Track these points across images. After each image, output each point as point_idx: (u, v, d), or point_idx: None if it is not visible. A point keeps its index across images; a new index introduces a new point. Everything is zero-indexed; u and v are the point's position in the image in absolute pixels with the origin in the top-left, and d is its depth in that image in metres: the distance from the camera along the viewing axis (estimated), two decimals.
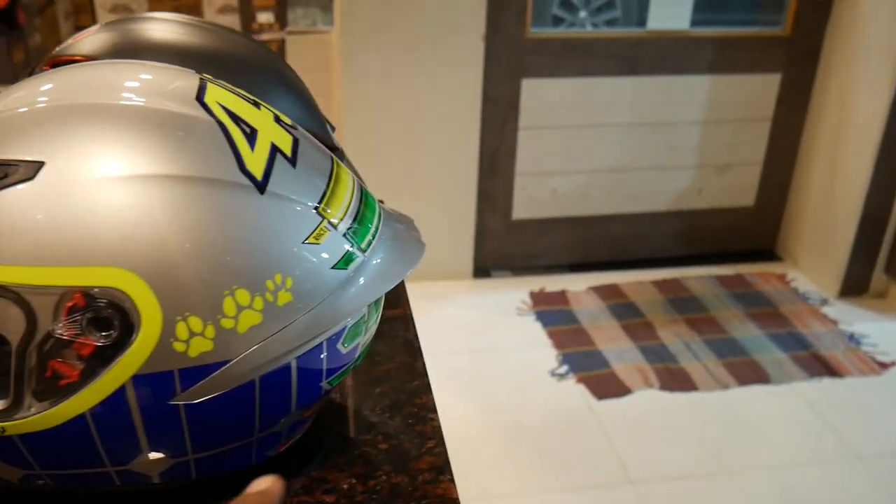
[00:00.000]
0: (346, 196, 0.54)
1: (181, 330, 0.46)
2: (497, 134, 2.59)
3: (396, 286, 0.55)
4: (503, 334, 2.45)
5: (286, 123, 0.55)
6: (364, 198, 0.56)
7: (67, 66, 0.54)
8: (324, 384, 0.54)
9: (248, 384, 0.49)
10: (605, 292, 2.67)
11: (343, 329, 0.52)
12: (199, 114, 0.49)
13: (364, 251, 0.53)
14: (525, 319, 2.52)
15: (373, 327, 0.57)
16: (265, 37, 4.98)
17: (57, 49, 0.76)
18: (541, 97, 2.58)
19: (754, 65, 2.67)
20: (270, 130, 0.52)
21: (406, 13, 2.33)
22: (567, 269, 2.83)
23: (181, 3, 6.48)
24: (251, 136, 0.50)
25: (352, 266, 0.52)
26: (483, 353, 2.36)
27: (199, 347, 0.46)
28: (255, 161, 0.49)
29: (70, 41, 0.76)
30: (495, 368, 2.30)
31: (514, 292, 2.67)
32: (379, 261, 0.54)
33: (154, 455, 0.50)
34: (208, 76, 0.55)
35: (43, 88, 0.50)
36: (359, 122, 2.46)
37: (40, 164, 0.45)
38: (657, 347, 2.38)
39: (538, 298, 2.62)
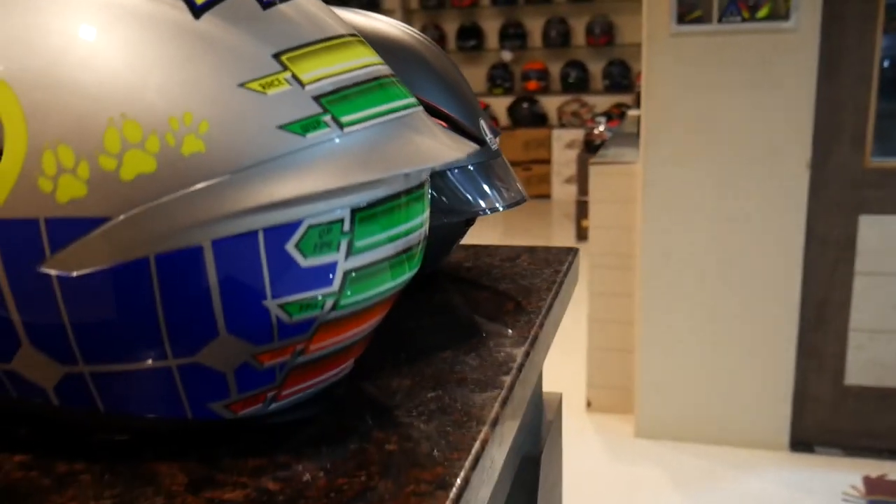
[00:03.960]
0: (339, 67, 0.40)
1: (48, 162, 0.35)
2: (826, 279, 2.20)
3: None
4: None
5: None
6: (381, 84, 0.42)
7: None
8: (271, 305, 0.38)
9: (141, 265, 0.36)
10: None
11: (295, 225, 0.37)
12: None
13: (342, 126, 0.39)
14: None
15: (375, 252, 0.41)
16: None
17: None
18: (888, 238, 2.15)
19: None
20: None
21: (717, 137, 2.14)
22: None
23: (531, 138, 6.70)
24: None
25: (314, 134, 0.38)
26: None
27: (70, 190, 0.35)
28: None
29: None
30: None
31: (841, 474, 2.14)
32: (370, 140, 0.39)
33: (35, 351, 0.38)
34: None
35: None
36: (658, 255, 2.26)
37: None
38: None
39: (875, 486, 2.07)
